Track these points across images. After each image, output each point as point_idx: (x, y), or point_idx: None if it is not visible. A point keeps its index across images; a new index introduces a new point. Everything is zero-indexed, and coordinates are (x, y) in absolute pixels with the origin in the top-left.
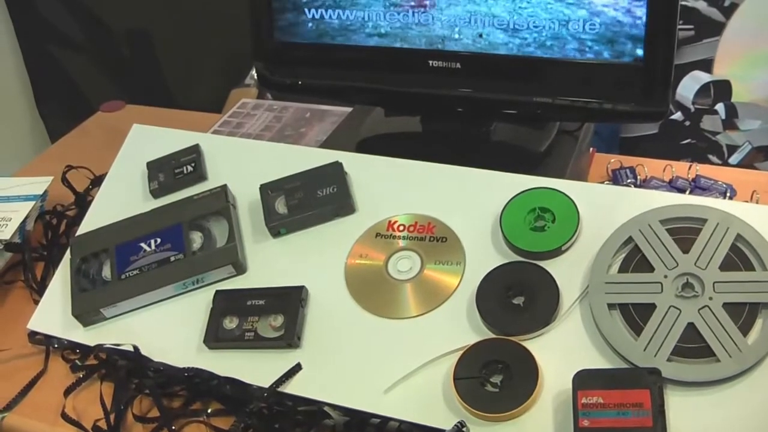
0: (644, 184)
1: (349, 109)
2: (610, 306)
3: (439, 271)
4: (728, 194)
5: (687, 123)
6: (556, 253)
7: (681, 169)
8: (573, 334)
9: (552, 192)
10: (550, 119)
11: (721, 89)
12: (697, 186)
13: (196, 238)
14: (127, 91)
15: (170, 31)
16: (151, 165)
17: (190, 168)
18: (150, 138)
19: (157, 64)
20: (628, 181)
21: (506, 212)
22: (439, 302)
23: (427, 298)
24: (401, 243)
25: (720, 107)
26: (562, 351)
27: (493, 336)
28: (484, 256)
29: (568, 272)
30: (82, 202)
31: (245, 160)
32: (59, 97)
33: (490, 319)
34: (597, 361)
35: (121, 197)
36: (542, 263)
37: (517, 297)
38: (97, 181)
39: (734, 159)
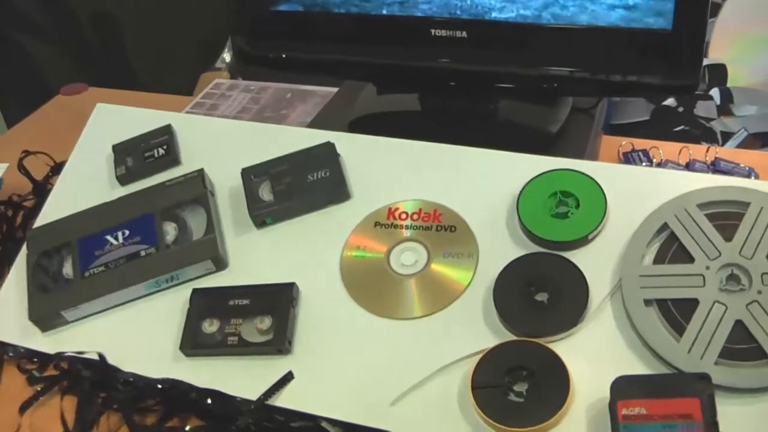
0: (660, 168)
1: (335, 90)
2: (647, 302)
3: (449, 264)
4: (752, 178)
5: (680, 109)
6: (581, 242)
7: (697, 151)
8: (605, 334)
9: (574, 174)
10: (565, 94)
11: (717, 73)
12: (717, 169)
13: (170, 230)
14: (92, 77)
15: (137, 13)
16: (117, 148)
17: (161, 151)
18: (116, 118)
19: (124, 49)
20: (643, 165)
21: (523, 197)
22: (450, 300)
23: (436, 296)
24: (404, 233)
25: (715, 92)
26: (593, 354)
27: (515, 338)
28: (499, 246)
29: (596, 264)
30: (41, 191)
31: (224, 141)
32: (18, 83)
33: (511, 319)
34: (634, 365)
35: (84, 185)
36: (566, 254)
37: (540, 293)
38: (57, 167)
39: (729, 146)
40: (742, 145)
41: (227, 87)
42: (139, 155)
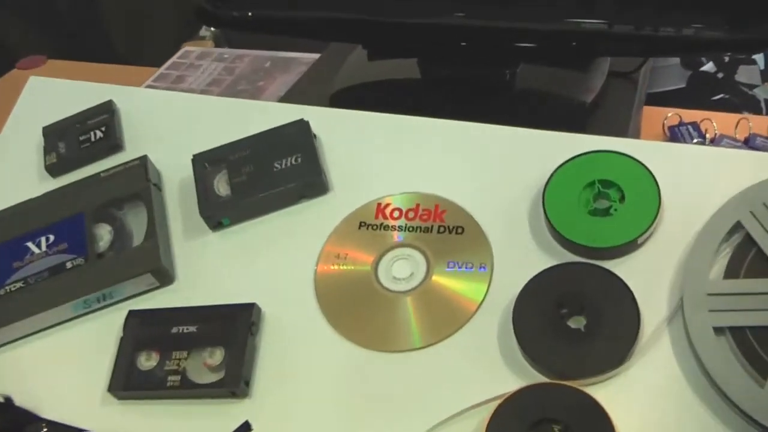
0: (713, 144)
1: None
2: (717, 330)
3: (455, 278)
4: None
5: (720, 75)
6: (628, 248)
7: (759, 124)
8: (661, 374)
9: (617, 157)
10: (601, 55)
11: None
12: (751, 146)
13: (104, 234)
14: (65, 50)
15: None
16: (48, 131)
17: (99, 134)
18: (51, 94)
19: (97, 16)
20: (694, 141)
21: (551, 189)
22: (456, 326)
23: (438, 320)
24: (397, 236)
25: (759, 56)
26: (646, 401)
27: (542, 380)
28: (520, 254)
29: (647, 278)
30: None
31: (178, 121)
32: None
33: (536, 353)
34: (701, 417)
35: (7, 177)
36: (608, 264)
37: (575, 317)
38: None
39: None
40: None
41: (197, 56)
42: (74, 139)
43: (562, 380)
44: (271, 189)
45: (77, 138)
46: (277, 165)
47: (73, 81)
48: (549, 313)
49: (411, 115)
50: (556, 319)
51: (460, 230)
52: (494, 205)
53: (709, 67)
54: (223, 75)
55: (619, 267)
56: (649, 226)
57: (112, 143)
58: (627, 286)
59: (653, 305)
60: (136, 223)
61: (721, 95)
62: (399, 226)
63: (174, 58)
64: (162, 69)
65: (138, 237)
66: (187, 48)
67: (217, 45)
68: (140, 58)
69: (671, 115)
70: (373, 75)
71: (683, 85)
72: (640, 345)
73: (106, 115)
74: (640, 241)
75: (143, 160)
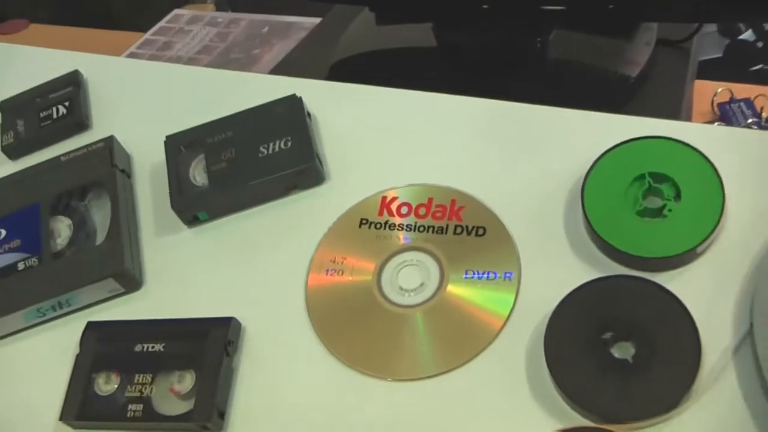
0: None
1: None
2: None
3: (474, 288)
4: None
5: (759, 44)
6: (685, 258)
7: None
8: (727, 416)
9: (672, 144)
10: (647, 19)
11: None
12: None
13: (62, 229)
14: (54, 11)
15: None
16: (5, 107)
17: (62, 109)
18: (9, 63)
19: None
20: (749, 121)
21: (592, 182)
22: (476, 350)
23: (454, 341)
24: (404, 238)
25: None
26: None
27: (582, 423)
28: (553, 263)
29: (709, 296)
30: None
31: (154, 96)
32: None
33: (574, 390)
34: None
35: None
36: (660, 277)
37: (621, 344)
38: None
39: None
40: None
41: (188, 19)
42: (34, 116)
43: (606, 424)
44: (256, 178)
45: (38, 114)
46: (263, 149)
47: (34, 47)
48: (589, 338)
49: (424, 91)
50: (597, 347)
51: (480, 231)
52: (522, 201)
53: (747, 35)
54: (215, 42)
55: (674, 281)
56: (711, 232)
57: (76, 120)
58: (684, 306)
59: (716, 330)
60: (100, 216)
61: (761, 65)
62: (407, 225)
63: (162, 23)
64: (147, 34)
65: (102, 233)
66: (177, 11)
67: (219, 9)
68: (139, 22)
69: (721, 90)
70: (381, 42)
71: (719, 55)
72: (700, 381)
73: (70, 87)
74: (699, 249)
75: (109, 141)
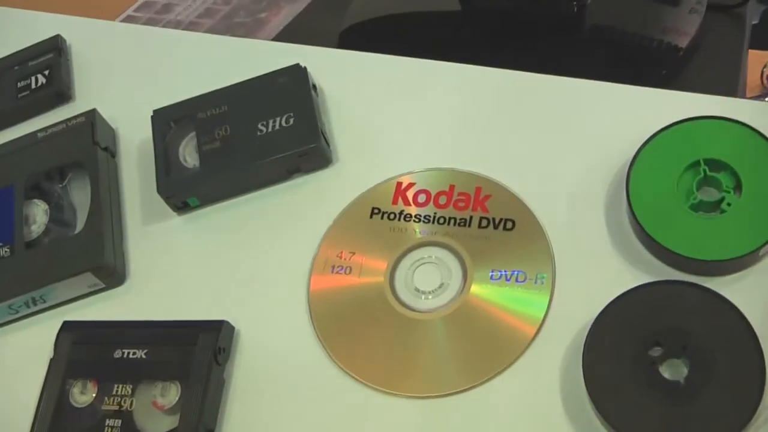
0: None
1: None
2: None
3: (502, 291)
4: None
5: None
6: (746, 261)
7: None
8: None
9: (731, 126)
10: None
11: None
12: None
13: (38, 214)
14: None
15: None
16: None
17: (42, 79)
18: None
19: None
20: None
21: (638, 169)
22: (505, 362)
23: (479, 352)
24: (421, 231)
25: None
26: None
27: None
28: (593, 264)
29: None
30: None
31: (144, 65)
32: None
33: (615, 414)
34: None
35: None
36: (717, 283)
37: (671, 362)
38: None
39: None
40: None
41: None
42: (11, 86)
43: None
44: (254, 160)
45: (15, 84)
46: (261, 127)
47: (13, 9)
48: (634, 354)
49: (444, 60)
50: (645, 365)
51: (509, 225)
52: (557, 190)
53: None
54: (219, 4)
55: (733, 288)
56: None
57: (56, 90)
58: (744, 318)
59: None
60: (80, 199)
61: None
62: (425, 216)
63: None
64: None
65: (81, 220)
66: None
67: None
68: None
69: None
70: (397, 6)
71: (756, 22)
72: (764, 408)
73: (50, 54)
74: (762, 251)
75: (90, 115)
